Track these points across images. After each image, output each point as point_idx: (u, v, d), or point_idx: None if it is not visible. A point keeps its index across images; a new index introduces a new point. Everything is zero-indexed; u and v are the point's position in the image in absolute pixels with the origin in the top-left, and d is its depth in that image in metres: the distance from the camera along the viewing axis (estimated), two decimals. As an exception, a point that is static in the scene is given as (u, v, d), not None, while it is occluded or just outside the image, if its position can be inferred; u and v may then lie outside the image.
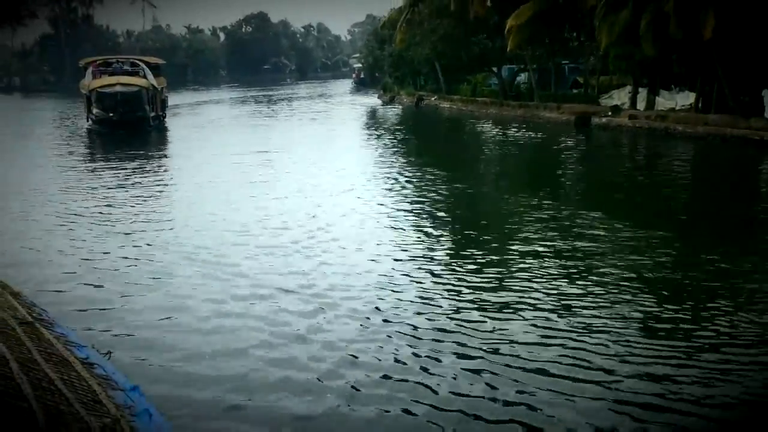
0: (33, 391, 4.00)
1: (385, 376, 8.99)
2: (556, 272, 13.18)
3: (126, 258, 14.78)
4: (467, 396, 8.48)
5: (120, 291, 12.63)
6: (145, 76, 46.30)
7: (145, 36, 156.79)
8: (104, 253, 15.25)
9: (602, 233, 16.23)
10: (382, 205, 20.79)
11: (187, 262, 14.29)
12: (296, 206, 20.18)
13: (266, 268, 13.79)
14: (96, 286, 13.02)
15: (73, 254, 15.34)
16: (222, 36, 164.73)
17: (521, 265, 13.70)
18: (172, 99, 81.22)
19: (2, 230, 17.56)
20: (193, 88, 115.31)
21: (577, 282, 12.55)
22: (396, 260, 14.36)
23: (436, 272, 13.54)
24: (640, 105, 43.29)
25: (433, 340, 10.02)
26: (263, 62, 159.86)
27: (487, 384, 8.73)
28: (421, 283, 12.82)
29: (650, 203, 20.59)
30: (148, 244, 15.84)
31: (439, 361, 9.36)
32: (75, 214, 19.64)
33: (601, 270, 13.26)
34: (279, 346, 9.88)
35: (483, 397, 8.44)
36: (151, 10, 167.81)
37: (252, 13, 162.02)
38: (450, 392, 8.53)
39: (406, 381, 8.83)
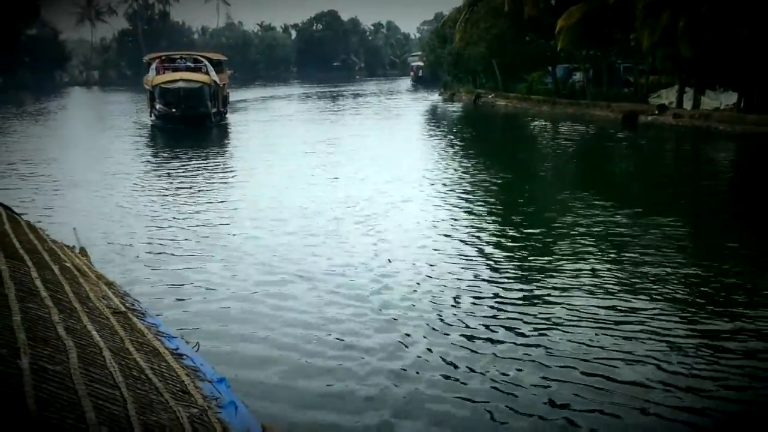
0: (124, 379, 3.97)
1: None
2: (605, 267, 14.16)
3: (211, 247, 16.08)
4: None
5: (208, 282, 13.52)
6: (207, 73, 47.34)
7: (219, 33, 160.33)
8: (190, 244, 16.53)
9: (644, 226, 17.39)
10: (441, 192, 23.03)
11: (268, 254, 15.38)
12: (360, 200, 21.75)
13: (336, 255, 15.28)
14: (183, 276, 13.98)
15: (160, 245, 16.56)
16: (293, 33, 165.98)
17: (573, 252, 15.12)
18: (243, 94, 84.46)
19: (90, 225, 17.89)
20: (263, 84, 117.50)
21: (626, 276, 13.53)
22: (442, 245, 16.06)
23: (492, 262, 14.70)
24: (687, 104, 44.74)
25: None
26: (333, 59, 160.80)
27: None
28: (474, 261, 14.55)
29: (692, 199, 21.87)
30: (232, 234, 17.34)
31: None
32: (150, 207, 21.22)
33: (653, 263, 14.23)
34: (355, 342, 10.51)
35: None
36: (226, 8, 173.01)
37: (323, 11, 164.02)
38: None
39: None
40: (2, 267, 5.37)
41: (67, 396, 3.36)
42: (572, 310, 11.80)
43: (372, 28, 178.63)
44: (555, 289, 13.00)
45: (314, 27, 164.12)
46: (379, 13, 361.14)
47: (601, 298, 12.37)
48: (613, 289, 12.90)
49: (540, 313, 11.75)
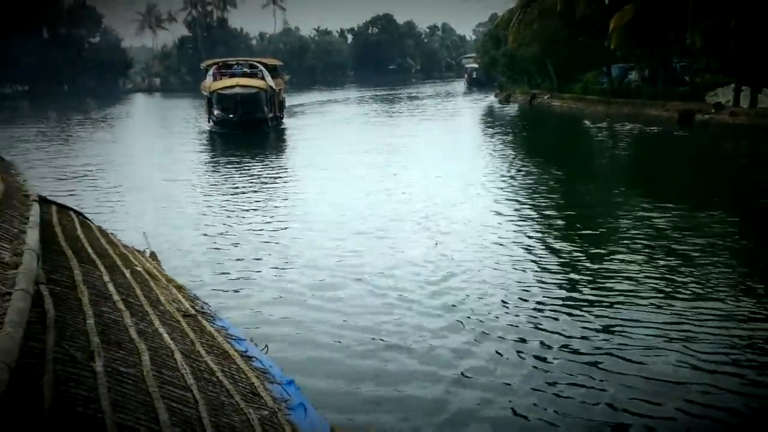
0: (196, 381, 4.04)
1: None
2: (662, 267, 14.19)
3: (276, 250, 16.36)
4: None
5: (273, 285, 13.84)
6: (263, 78, 47.70)
7: (276, 38, 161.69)
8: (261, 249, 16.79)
9: (700, 227, 17.36)
10: (499, 192, 23.44)
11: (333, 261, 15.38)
12: (417, 200, 22.25)
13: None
14: (249, 279, 14.37)
15: (222, 247, 17.01)
16: (349, 37, 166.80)
17: (631, 257, 14.99)
18: (300, 98, 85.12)
19: (156, 229, 18.01)
20: (320, 88, 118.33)
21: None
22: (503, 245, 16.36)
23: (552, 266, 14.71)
24: (744, 102, 44.05)
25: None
26: (389, 62, 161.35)
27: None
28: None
29: (750, 197, 21.65)
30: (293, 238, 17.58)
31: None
32: (214, 211, 21.75)
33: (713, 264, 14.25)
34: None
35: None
36: (282, 13, 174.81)
37: (378, 14, 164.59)
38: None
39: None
40: (76, 271, 5.51)
41: (141, 398, 3.45)
42: (631, 311, 11.82)
43: (427, 30, 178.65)
44: (613, 291, 13.01)
45: (370, 31, 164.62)
46: (435, 15, 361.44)
47: (663, 300, 12.34)
48: (673, 291, 12.81)
49: (598, 314, 11.84)
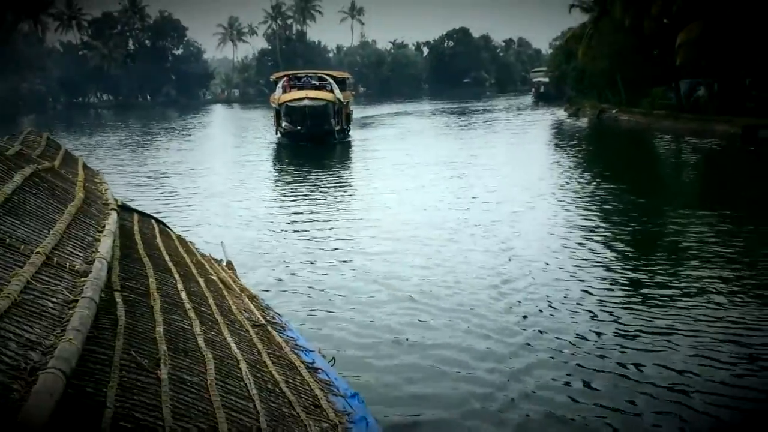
0: (259, 392, 4.06)
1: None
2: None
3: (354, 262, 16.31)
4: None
5: (347, 296, 13.80)
6: (332, 91, 47.49)
7: (353, 51, 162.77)
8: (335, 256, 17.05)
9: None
10: (564, 203, 23.62)
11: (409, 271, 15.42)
12: (483, 210, 22.50)
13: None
14: (323, 289, 14.30)
15: (294, 256, 17.12)
16: (425, 50, 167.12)
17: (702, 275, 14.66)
18: (373, 110, 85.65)
19: (231, 237, 18.55)
20: (394, 101, 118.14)
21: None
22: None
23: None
24: None
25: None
26: (464, 76, 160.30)
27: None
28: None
29: None
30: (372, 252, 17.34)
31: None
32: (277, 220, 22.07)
33: None
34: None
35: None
36: (360, 27, 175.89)
37: (455, 28, 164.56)
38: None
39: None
40: (151, 279, 5.62)
41: (202, 407, 3.51)
42: (690, 318, 12.02)
43: (503, 44, 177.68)
44: (673, 298, 13.15)
45: (445, 44, 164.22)
46: (512, 29, 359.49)
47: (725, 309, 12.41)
48: (737, 299, 12.94)
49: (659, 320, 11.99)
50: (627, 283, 14.48)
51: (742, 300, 12.87)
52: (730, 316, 12.00)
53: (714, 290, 13.48)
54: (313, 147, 43.34)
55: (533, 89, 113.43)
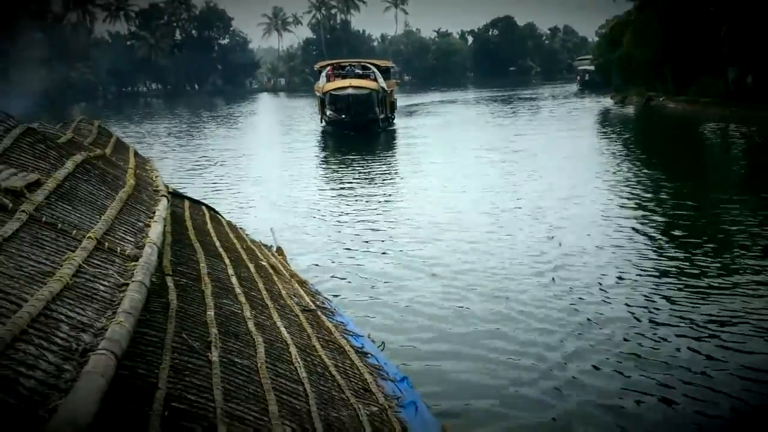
0: (308, 375, 4.07)
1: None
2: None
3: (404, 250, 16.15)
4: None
5: (396, 283, 13.82)
6: (375, 79, 47.56)
7: (397, 40, 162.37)
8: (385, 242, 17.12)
9: None
10: (612, 189, 23.56)
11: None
12: (532, 197, 22.26)
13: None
14: (371, 275, 14.36)
15: (344, 243, 17.19)
16: (469, 39, 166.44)
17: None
18: (417, 99, 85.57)
19: (280, 222, 18.65)
20: (438, 89, 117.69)
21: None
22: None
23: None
24: None
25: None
26: (509, 64, 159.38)
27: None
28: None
29: None
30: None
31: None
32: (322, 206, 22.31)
33: None
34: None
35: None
36: (404, 16, 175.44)
37: (499, 16, 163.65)
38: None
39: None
40: (202, 264, 5.67)
41: (253, 389, 3.51)
42: (745, 307, 11.90)
43: (549, 32, 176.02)
44: (724, 286, 12.98)
45: (490, 32, 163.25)
46: (557, 17, 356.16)
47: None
48: None
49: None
50: (678, 270, 14.29)
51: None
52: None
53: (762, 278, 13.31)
54: (357, 135, 43.33)
55: (578, 77, 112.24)
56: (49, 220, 4.00)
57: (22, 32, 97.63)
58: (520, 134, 44.31)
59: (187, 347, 3.57)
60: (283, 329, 4.93)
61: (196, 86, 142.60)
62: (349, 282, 14.02)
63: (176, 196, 8.58)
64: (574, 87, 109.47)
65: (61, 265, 3.35)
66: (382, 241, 17.45)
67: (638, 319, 11.57)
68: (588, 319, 11.57)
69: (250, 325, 4.56)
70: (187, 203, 8.62)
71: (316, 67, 56.63)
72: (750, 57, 50.23)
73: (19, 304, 2.72)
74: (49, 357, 2.47)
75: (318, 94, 49.63)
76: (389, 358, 6.16)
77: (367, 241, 17.36)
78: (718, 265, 14.51)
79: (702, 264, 14.55)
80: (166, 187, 7.48)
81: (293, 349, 4.53)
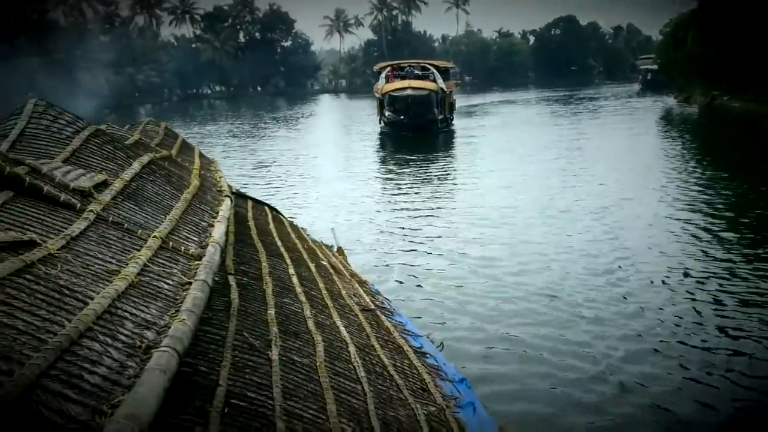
0: (367, 374, 4.08)
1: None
2: None
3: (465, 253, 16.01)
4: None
5: (457, 284, 13.76)
6: (434, 80, 47.12)
7: (458, 40, 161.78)
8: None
9: None
10: (674, 190, 23.20)
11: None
12: (593, 197, 22.31)
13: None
14: (432, 276, 14.36)
15: (405, 243, 17.30)
16: (531, 39, 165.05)
17: None
18: (478, 99, 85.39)
19: (339, 221, 18.97)
20: (499, 89, 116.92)
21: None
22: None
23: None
24: None
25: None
26: (571, 64, 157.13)
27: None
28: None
29: None
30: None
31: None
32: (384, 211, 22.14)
33: None
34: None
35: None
36: (465, 16, 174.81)
37: (561, 16, 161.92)
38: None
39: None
40: (263, 264, 5.73)
41: (311, 387, 3.53)
42: None
43: (612, 31, 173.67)
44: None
45: (552, 32, 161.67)
46: (621, 16, 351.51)
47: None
48: None
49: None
50: (743, 271, 14.07)
51: None
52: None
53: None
54: (415, 136, 43.17)
55: (640, 76, 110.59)
56: (115, 219, 4.08)
57: (91, 36, 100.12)
58: (579, 134, 44.00)
59: (247, 345, 3.61)
60: (342, 329, 4.95)
61: (259, 88, 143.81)
62: (407, 282, 14.04)
63: (240, 197, 8.69)
64: (636, 87, 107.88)
65: (127, 264, 3.42)
66: (440, 240, 17.45)
67: (702, 323, 11.44)
68: (646, 323, 11.47)
69: (310, 324, 4.60)
70: (250, 203, 8.71)
71: (376, 68, 56.75)
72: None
73: (85, 302, 2.79)
74: (113, 353, 2.53)
75: (377, 95, 49.44)
76: (448, 358, 6.13)
77: (425, 242, 17.38)
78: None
79: (758, 267, 14.34)
80: (230, 187, 7.59)
81: (352, 349, 4.54)
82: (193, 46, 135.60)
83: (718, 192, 22.79)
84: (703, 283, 13.41)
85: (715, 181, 24.67)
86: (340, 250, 10.17)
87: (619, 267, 14.52)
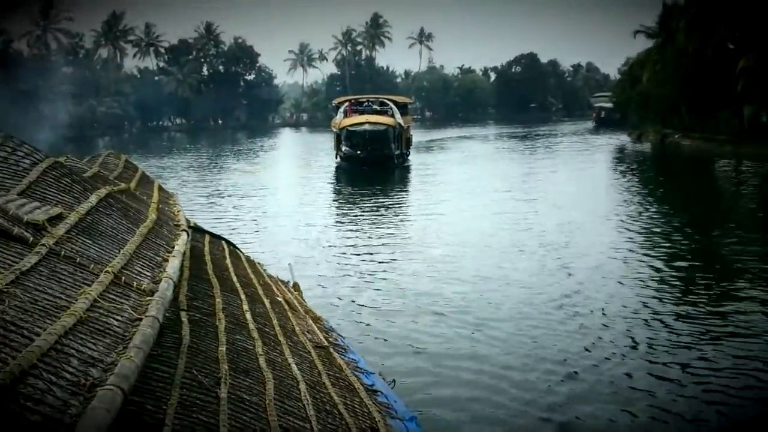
0: (316, 413, 4.06)
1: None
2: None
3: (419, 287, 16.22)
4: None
5: (411, 320, 13.79)
6: (392, 115, 47.15)
7: (420, 76, 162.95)
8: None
9: None
10: (624, 223, 23.98)
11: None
12: (543, 230, 22.78)
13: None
14: (385, 312, 14.40)
15: (361, 280, 17.30)
16: (492, 75, 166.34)
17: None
18: (438, 134, 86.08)
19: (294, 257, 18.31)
20: (459, 125, 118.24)
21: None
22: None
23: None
24: None
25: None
26: (530, 100, 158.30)
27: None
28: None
29: None
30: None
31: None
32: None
33: None
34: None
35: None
36: (428, 52, 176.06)
37: (522, 53, 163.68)
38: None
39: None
40: (217, 299, 5.67)
41: (260, 426, 3.49)
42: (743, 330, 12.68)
43: (571, 69, 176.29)
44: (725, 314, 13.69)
45: (513, 69, 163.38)
46: (580, 55, 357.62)
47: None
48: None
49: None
50: (679, 298, 15.01)
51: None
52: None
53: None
54: (372, 171, 43.27)
55: (594, 114, 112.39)
56: (68, 254, 4.04)
57: (55, 67, 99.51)
58: (534, 170, 44.83)
59: (196, 383, 3.58)
60: (294, 366, 4.92)
61: (220, 121, 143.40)
62: (362, 318, 14.05)
63: (197, 231, 8.64)
64: (590, 124, 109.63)
65: (77, 299, 3.38)
66: (394, 276, 17.56)
67: (636, 345, 12.16)
68: (585, 348, 12.02)
69: (262, 361, 4.55)
70: (207, 238, 8.67)
71: (334, 102, 57.09)
72: (764, 95, 50.38)
73: (31, 338, 2.75)
74: (56, 392, 2.49)
75: (335, 129, 49.22)
76: (400, 395, 6.14)
77: (379, 278, 17.44)
78: (718, 293, 15.20)
79: (702, 292, 15.27)
80: (188, 221, 7.54)
81: (303, 386, 4.51)
82: (156, 78, 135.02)
83: (663, 225, 23.76)
84: (644, 310, 14.11)
85: (661, 215, 25.83)
86: (296, 286, 10.14)
87: (570, 295, 15.05)
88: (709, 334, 12.48)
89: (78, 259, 4.04)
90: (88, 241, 4.55)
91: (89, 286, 3.66)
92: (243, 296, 6.33)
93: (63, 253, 3.99)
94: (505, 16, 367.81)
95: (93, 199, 5.52)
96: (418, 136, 60.07)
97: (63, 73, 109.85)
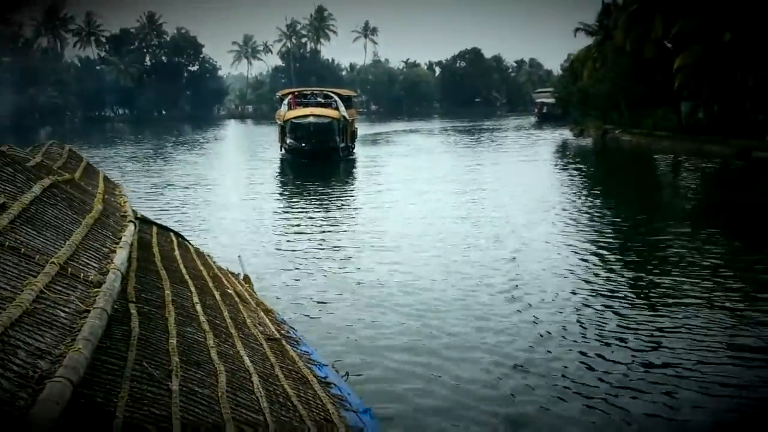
0: (270, 405, 4.03)
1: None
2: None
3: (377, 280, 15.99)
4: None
5: (363, 311, 13.70)
6: (337, 108, 47.11)
7: (366, 69, 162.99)
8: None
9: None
10: (565, 218, 24.17)
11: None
12: (487, 225, 22.79)
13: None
14: (336, 304, 14.21)
15: (308, 271, 17.09)
16: (437, 70, 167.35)
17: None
18: (383, 128, 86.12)
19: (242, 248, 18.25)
20: (405, 119, 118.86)
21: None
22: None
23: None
24: None
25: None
26: (475, 95, 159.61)
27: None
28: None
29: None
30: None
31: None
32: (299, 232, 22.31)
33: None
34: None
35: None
36: (373, 46, 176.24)
37: (466, 48, 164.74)
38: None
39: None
40: (167, 292, 5.57)
41: (212, 419, 3.43)
42: (688, 322, 12.75)
43: (515, 64, 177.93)
44: (668, 304, 13.86)
45: (457, 64, 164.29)
46: (524, 50, 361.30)
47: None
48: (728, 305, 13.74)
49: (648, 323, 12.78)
50: (622, 289, 15.23)
51: (732, 305, 13.70)
52: (721, 319, 12.83)
53: (704, 297, 14.28)
54: (316, 163, 43.17)
55: (536, 110, 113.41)
56: (12, 244, 3.91)
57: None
58: (478, 163, 45.10)
59: (147, 375, 3.50)
60: (246, 358, 4.85)
61: (164, 112, 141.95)
62: (313, 310, 13.90)
63: (144, 222, 8.50)
64: (532, 119, 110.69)
65: (22, 291, 3.28)
66: (342, 267, 17.49)
67: (585, 333, 12.37)
68: (540, 334, 12.19)
69: (213, 353, 4.48)
70: (155, 229, 8.52)
71: (279, 95, 56.62)
72: (701, 92, 51.57)
73: (-25, 331, 2.66)
74: (3, 384, 2.41)
75: (279, 122, 49.20)
76: (353, 387, 6.11)
77: (327, 268, 17.30)
78: (660, 284, 15.43)
79: (643, 284, 15.54)
80: (135, 212, 7.40)
81: (255, 379, 4.45)
82: (98, 68, 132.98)
83: (607, 218, 24.26)
84: (591, 299, 14.31)
85: (603, 208, 26.14)
86: (246, 278, 10.03)
87: (517, 287, 15.18)
88: (643, 328, 12.63)
89: (23, 249, 3.92)
90: (32, 231, 4.41)
91: (35, 277, 3.55)
92: (193, 288, 6.23)
93: (7, 243, 3.86)
94: (449, 12, 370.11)
95: (37, 189, 5.36)
96: (363, 129, 60.05)
97: (1, 62, 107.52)
